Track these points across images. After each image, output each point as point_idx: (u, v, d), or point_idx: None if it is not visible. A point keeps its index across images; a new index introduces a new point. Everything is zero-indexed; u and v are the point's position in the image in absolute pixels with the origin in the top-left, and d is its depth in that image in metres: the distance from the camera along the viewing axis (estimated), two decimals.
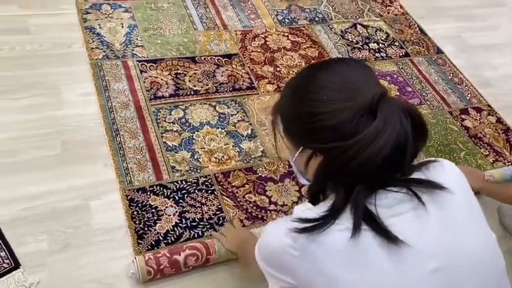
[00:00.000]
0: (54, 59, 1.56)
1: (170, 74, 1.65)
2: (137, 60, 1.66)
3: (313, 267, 0.70)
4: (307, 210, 0.74)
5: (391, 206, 0.71)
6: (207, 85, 1.67)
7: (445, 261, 0.70)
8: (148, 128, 1.46)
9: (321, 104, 0.73)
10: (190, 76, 1.67)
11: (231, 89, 1.68)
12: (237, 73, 1.74)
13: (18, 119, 1.36)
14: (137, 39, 1.74)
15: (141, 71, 1.63)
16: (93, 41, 1.68)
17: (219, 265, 1.19)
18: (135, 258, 1.14)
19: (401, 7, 2.31)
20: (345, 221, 0.69)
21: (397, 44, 2.09)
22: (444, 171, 0.77)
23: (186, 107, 1.57)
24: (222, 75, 1.71)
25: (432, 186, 0.73)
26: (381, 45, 2.07)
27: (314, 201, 0.79)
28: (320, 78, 0.76)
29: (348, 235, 0.67)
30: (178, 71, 1.67)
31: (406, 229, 0.70)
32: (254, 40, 1.90)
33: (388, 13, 2.25)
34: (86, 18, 1.76)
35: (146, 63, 1.66)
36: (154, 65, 1.66)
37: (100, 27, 1.73)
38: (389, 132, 0.67)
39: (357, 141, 0.67)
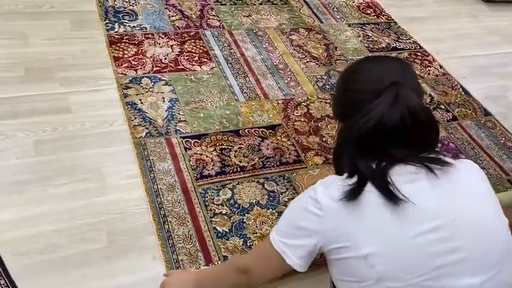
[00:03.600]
0: (96, 139, 1.50)
1: (215, 149, 1.58)
2: (181, 137, 1.59)
3: (336, 223, 0.83)
4: (341, 180, 0.87)
5: (405, 175, 0.83)
6: (253, 160, 1.58)
7: (447, 223, 0.80)
8: (196, 213, 1.37)
9: (355, 83, 0.92)
10: (236, 151, 1.60)
11: (278, 163, 1.59)
12: (282, 145, 1.66)
13: (61, 208, 1.28)
14: (179, 113, 1.69)
15: (186, 148, 1.56)
16: (135, 118, 1.62)
17: None
18: None
19: (441, 67, 2.25)
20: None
21: (442, 107, 2.01)
22: (464, 164, 0.89)
23: (233, 185, 1.48)
24: (267, 149, 1.63)
25: (447, 164, 0.84)
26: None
27: (337, 166, 0.95)
28: (368, 67, 0.96)
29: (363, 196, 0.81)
30: (223, 146, 1.60)
31: (416, 192, 0.81)
32: (297, 109, 1.84)
33: (428, 74, 2.18)
34: (127, 93, 1.72)
35: (190, 140, 1.59)
36: (199, 141, 1.60)
37: (141, 103, 1.69)
38: (382, 110, 0.83)
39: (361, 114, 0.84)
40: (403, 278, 0.79)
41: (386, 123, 0.83)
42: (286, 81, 1.96)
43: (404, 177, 0.82)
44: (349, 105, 0.91)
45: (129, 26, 2.04)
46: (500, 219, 0.86)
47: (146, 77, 1.81)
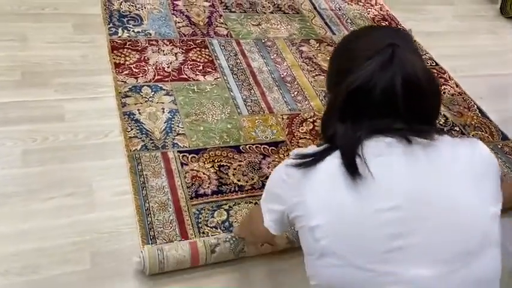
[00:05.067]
0: (88, 150, 1.43)
1: (213, 166, 1.50)
2: (178, 151, 1.51)
3: (296, 191, 0.79)
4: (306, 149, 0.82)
5: (380, 147, 0.74)
6: (253, 179, 1.50)
7: (410, 203, 0.71)
8: (188, 235, 1.29)
9: (351, 50, 0.83)
10: (235, 169, 1.51)
11: None
12: None
13: (45, 225, 1.21)
14: (178, 126, 1.61)
15: (182, 164, 1.48)
16: (132, 129, 1.55)
17: None
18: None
19: (457, 86, 2.14)
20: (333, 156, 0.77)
21: (457, 129, 1.90)
22: (464, 142, 0.80)
23: (230, 206, 1.39)
24: (268, 167, 1.55)
25: (433, 138, 0.75)
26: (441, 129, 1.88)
27: (323, 137, 0.84)
28: (364, 34, 0.90)
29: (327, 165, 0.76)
30: (222, 163, 1.52)
31: (384, 166, 0.73)
32: (302, 125, 1.75)
33: (444, 93, 2.08)
34: (125, 102, 1.64)
35: (188, 155, 1.51)
36: (196, 156, 1.52)
37: (139, 113, 1.61)
38: (372, 69, 0.74)
39: (356, 73, 0.75)
40: (346, 256, 0.72)
41: (375, 85, 0.73)
42: (292, 94, 1.87)
43: (378, 149, 0.74)
44: (341, 74, 0.80)
45: (133, 31, 1.97)
46: (486, 207, 0.74)
47: (147, 85, 1.74)
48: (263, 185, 1.46)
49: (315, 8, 2.43)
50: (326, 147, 0.79)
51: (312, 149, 0.82)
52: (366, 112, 0.76)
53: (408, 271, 0.70)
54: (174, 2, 2.20)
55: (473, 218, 0.73)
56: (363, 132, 0.75)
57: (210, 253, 1.20)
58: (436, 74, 2.17)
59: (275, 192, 0.88)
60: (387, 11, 2.55)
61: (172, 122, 1.62)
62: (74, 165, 1.38)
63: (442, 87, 2.11)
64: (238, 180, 1.48)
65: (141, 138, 1.53)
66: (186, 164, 1.49)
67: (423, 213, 0.71)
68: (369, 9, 2.53)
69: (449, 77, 2.17)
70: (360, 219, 0.72)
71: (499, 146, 1.86)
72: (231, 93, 1.81)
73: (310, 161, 0.78)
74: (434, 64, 2.22)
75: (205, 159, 1.52)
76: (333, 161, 0.76)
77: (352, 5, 2.52)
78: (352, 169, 0.72)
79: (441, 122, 1.91)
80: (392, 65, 0.73)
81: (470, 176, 0.75)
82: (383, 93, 0.74)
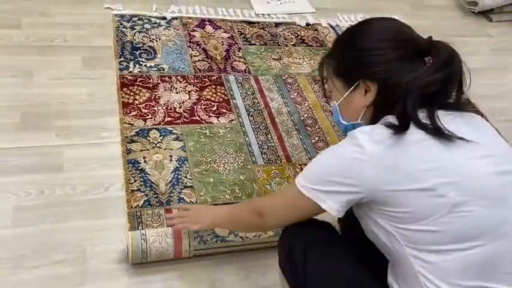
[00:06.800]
0: (86, 207, 1.31)
1: None
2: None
3: (384, 165, 0.82)
4: (377, 127, 0.86)
5: (443, 117, 0.85)
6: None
7: (490, 151, 0.85)
8: None
9: (383, 41, 0.90)
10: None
11: None
12: None
13: None
14: (186, 177, 1.47)
15: None
16: (135, 181, 1.42)
17: None
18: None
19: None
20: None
21: None
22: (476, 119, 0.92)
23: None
24: None
25: (465, 108, 0.91)
26: None
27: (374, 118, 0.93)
28: (378, 24, 0.97)
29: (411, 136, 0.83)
30: None
31: (459, 128, 0.84)
32: None
33: None
34: (130, 148, 1.52)
35: None
36: None
37: (145, 161, 1.49)
38: (450, 68, 0.85)
39: (418, 74, 0.85)
40: (473, 201, 0.80)
41: (435, 80, 0.85)
42: (313, 140, 1.72)
43: (444, 119, 0.85)
44: (387, 65, 0.89)
45: (145, 65, 1.85)
46: None
47: (155, 128, 1.61)
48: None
49: None
50: (400, 123, 0.84)
51: (380, 128, 0.85)
52: (424, 96, 0.85)
53: None
54: (191, 33, 2.09)
55: None
56: (429, 109, 0.85)
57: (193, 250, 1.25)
58: None
59: (341, 174, 0.85)
60: None
61: (180, 172, 1.48)
62: (67, 225, 1.25)
63: None
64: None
65: (144, 191, 1.40)
66: None
67: (499, 154, 0.86)
68: None
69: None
70: (471, 168, 0.82)
71: None
72: (246, 138, 1.66)
73: (397, 131, 0.82)
74: (471, 106, 2.04)
75: None
76: (414, 133, 0.82)
77: None
78: (442, 134, 0.82)
79: None
80: (453, 63, 0.86)
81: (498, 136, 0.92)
82: (443, 83, 0.86)
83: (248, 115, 1.76)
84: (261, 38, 2.16)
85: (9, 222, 1.24)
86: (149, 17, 2.11)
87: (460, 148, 0.81)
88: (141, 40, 1.97)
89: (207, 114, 1.72)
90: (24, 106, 1.55)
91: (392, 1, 2.73)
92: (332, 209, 0.86)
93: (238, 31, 2.17)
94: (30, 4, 2.00)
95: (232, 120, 1.72)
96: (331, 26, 2.35)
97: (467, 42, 2.49)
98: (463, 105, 0.90)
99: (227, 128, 1.69)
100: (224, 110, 1.75)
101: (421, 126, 0.82)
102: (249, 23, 2.24)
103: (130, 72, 1.81)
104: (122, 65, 1.83)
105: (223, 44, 2.07)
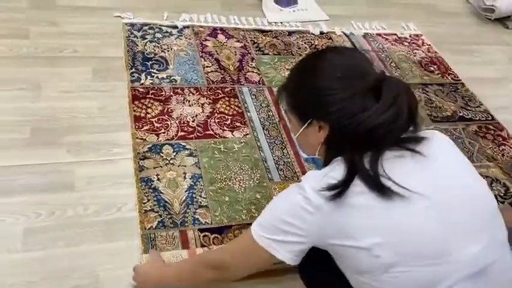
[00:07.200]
0: (98, 229, 1.26)
1: None
2: (199, 229, 1.33)
3: (329, 223, 0.82)
4: (327, 176, 0.84)
5: (391, 159, 0.84)
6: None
7: (437, 198, 0.81)
8: None
9: (334, 80, 0.87)
10: None
11: None
12: None
13: None
14: (201, 195, 1.42)
15: (203, 246, 1.29)
16: (149, 200, 1.37)
17: None
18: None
19: None
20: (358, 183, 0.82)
21: None
22: (433, 134, 0.91)
23: None
24: None
25: (423, 139, 0.87)
26: (499, 202, 1.64)
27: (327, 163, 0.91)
28: (331, 59, 0.92)
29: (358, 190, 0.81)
30: None
31: (404, 176, 0.81)
32: None
33: (502, 155, 1.83)
34: (143, 165, 1.47)
35: (209, 234, 1.32)
36: (219, 237, 1.33)
37: (158, 179, 1.43)
38: (397, 107, 0.82)
39: (368, 115, 0.82)
40: (411, 261, 0.79)
41: (384, 121, 0.82)
42: None
43: (390, 164, 0.83)
44: (335, 105, 0.86)
45: (157, 77, 1.80)
46: (480, 180, 0.90)
47: (169, 144, 1.56)
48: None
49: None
50: (346, 175, 0.82)
51: (332, 178, 0.83)
52: (373, 139, 0.83)
53: (466, 250, 0.80)
54: (203, 43, 2.03)
55: (484, 195, 0.88)
56: (374, 153, 0.83)
57: None
58: (492, 132, 1.92)
59: (289, 222, 0.86)
60: (435, 52, 2.31)
61: (194, 191, 1.43)
62: (79, 249, 1.20)
63: (500, 148, 1.86)
64: None
65: (158, 212, 1.35)
66: (206, 246, 1.30)
67: (451, 203, 0.82)
68: (415, 51, 2.30)
69: (507, 135, 1.92)
70: (409, 226, 0.80)
71: None
72: (262, 153, 1.61)
73: (338, 192, 0.81)
74: (490, 119, 1.98)
75: (229, 239, 1.33)
76: (356, 186, 0.81)
77: (396, 46, 2.30)
78: (383, 190, 0.79)
79: (501, 193, 1.67)
80: (393, 105, 0.82)
81: (456, 160, 0.91)
82: (390, 124, 0.82)
83: (263, 128, 1.70)
84: (274, 48, 2.11)
85: (19, 246, 1.18)
86: (160, 25, 2.06)
87: (401, 202, 0.79)
88: (153, 50, 1.92)
89: (221, 128, 1.67)
90: (34, 121, 1.50)
91: (407, 8, 2.67)
92: (286, 258, 0.88)
93: (251, 40, 2.12)
94: (38, 13, 1.95)
95: (247, 134, 1.67)
96: (345, 34, 2.30)
97: (484, 50, 2.43)
98: (417, 135, 0.87)
99: (242, 142, 1.64)
100: (238, 124, 1.70)
101: (364, 178, 0.81)
102: (262, 31, 2.19)
103: (142, 84, 1.76)
104: (133, 76, 1.78)
105: (236, 54, 2.01)
